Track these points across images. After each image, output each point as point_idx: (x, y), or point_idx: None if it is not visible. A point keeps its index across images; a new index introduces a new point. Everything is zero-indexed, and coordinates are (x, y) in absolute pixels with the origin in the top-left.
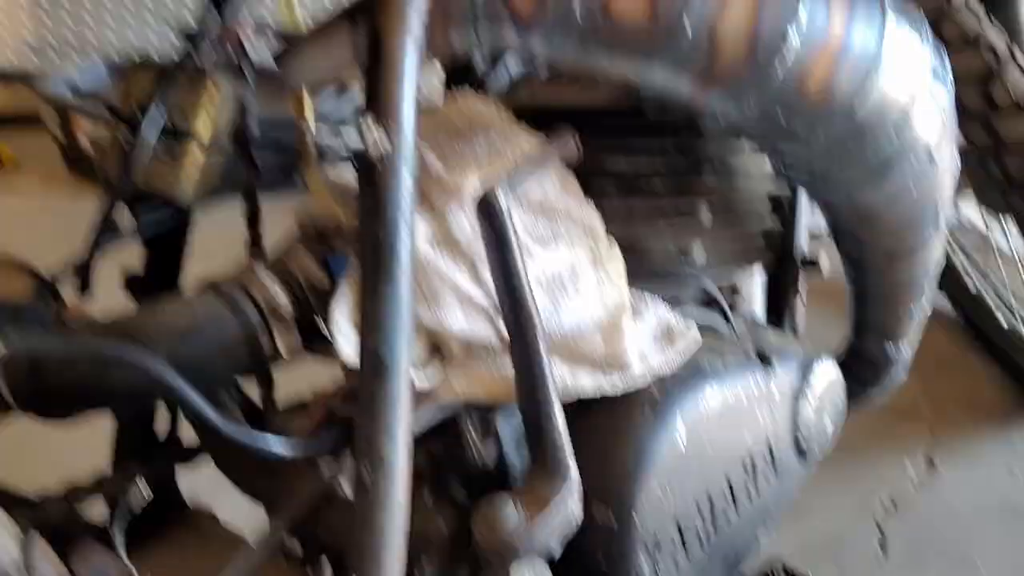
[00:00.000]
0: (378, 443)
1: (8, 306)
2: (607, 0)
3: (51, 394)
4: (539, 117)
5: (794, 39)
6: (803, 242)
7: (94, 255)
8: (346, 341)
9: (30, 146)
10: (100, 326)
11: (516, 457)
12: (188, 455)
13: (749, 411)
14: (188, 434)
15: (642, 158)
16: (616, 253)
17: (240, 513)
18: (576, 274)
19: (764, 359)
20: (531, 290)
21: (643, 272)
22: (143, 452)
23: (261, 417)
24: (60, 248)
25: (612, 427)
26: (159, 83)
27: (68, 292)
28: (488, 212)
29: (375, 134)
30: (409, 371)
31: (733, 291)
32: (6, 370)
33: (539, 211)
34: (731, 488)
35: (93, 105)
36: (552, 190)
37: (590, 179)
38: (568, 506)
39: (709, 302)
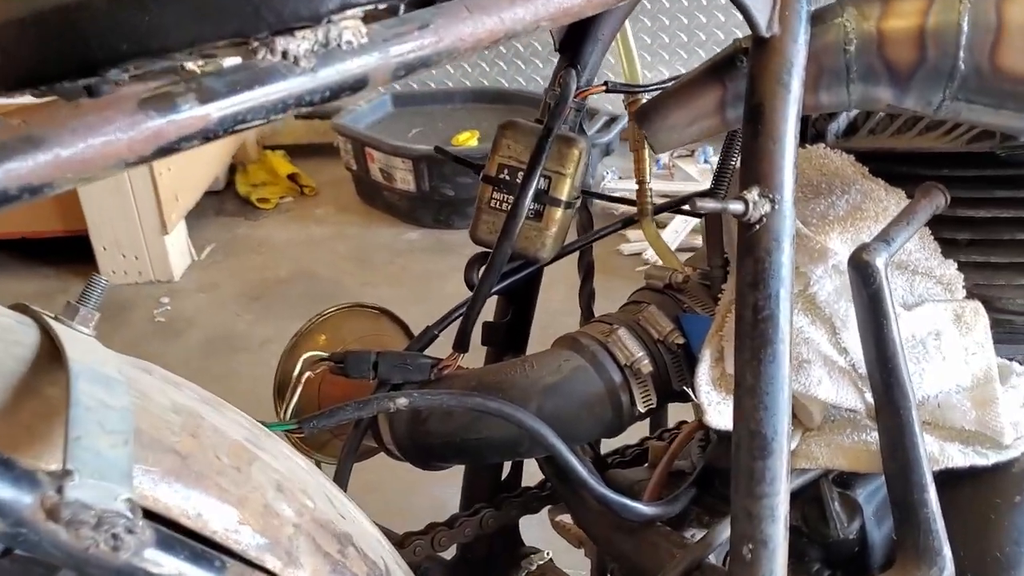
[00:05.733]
0: (761, 525)
1: (392, 356)
2: (996, 54)
3: (431, 446)
4: (877, 160)
5: None
6: None
7: (472, 314)
8: (713, 409)
9: (326, 174)
10: (472, 379)
11: (877, 532)
12: (536, 505)
13: None
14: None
15: (1001, 208)
16: (981, 314)
17: (574, 559)
18: (939, 337)
19: None
20: (905, 359)
21: (1003, 333)
22: (492, 497)
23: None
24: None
25: (984, 504)
26: (538, 148)
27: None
28: (863, 274)
29: (756, 200)
30: (789, 448)
31: None
32: (391, 422)
33: (896, 269)
34: None
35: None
36: (910, 246)
37: (939, 228)
38: None
39: None
